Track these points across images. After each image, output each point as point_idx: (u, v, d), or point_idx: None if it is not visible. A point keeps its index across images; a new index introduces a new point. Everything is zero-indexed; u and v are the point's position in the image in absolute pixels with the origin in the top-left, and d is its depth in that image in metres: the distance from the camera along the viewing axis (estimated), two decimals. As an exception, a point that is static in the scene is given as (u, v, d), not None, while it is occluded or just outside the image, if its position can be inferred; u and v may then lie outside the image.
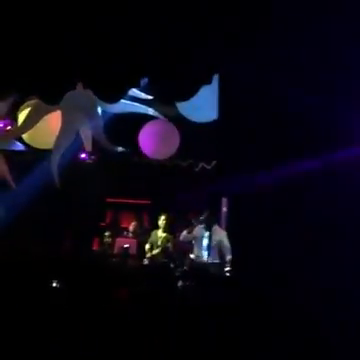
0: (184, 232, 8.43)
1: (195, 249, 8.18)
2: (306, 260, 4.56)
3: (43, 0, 4.99)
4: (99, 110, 7.39)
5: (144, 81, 5.11)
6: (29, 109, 7.09)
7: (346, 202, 4.58)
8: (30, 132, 7.24)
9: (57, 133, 7.21)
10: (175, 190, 9.33)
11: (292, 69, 4.67)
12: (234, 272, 5.45)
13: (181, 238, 8.47)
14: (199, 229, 8.14)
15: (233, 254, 5.86)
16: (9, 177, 7.67)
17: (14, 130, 7.46)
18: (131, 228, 9.48)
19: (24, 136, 7.40)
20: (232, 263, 6.22)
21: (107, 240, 9.32)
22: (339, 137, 4.60)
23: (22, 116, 7.24)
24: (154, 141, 7.69)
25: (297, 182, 4.66)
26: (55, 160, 7.39)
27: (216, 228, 8.15)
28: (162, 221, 8.84)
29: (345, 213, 4.57)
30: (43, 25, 5.01)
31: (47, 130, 7.22)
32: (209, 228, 8.02)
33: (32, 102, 7.04)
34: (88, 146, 7.62)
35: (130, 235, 9.34)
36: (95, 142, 7.68)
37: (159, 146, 7.73)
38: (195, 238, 8.20)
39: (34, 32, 5.02)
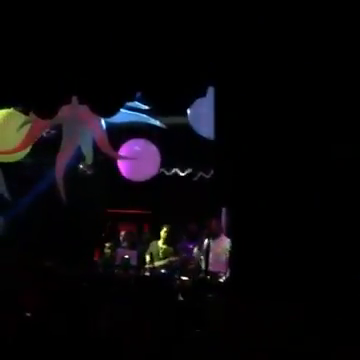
0: (195, 249, 8.41)
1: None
2: (308, 266, 4.56)
3: (39, 14, 5.00)
4: (102, 121, 7.36)
5: (138, 94, 5.13)
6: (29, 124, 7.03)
7: (349, 207, 4.57)
8: None
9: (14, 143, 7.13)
10: (174, 200, 9.32)
11: (290, 77, 4.66)
12: (233, 280, 5.44)
13: (194, 255, 8.42)
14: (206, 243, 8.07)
15: (233, 263, 5.85)
16: (3, 187, 7.66)
17: (19, 146, 7.33)
18: (121, 237, 9.28)
19: None
20: (231, 271, 6.19)
21: (108, 251, 9.29)
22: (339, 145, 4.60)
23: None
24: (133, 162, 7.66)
25: (298, 188, 4.65)
26: (60, 173, 7.37)
27: (222, 238, 8.11)
28: (164, 232, 8.79)
29: (347, 217, 4.56)
30: (37, 39, 5.02)
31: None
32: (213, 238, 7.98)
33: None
34: (89, 159, 7.58)
35: (124, 245, 9.28)
36: (96, 154, 7.66)
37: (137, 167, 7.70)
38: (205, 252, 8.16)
39: (29, 46, 5.03)
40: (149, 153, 7.82)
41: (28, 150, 7.41)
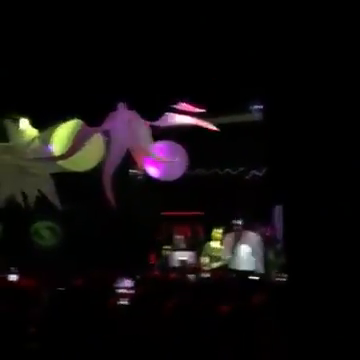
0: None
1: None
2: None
3: (84, 25, 5.07)
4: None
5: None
6: (70, 131, 7.04)
7: None
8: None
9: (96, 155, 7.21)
10: (226, 200, 9.26)
11: (340, 78, 4.57)
12: (289, 279, 5.35)
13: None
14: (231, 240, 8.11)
15: (289, 262, 5.77)
16: (55, 198, 7.74)
17: (64, 154, 7.38)
18: (176, 240, 9.45)
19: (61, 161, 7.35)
20: (287, 270, 6.10)
21: (165, 253, 9.33)
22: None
23: (58, 138, 7.15)
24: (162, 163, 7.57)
25: (353, 185, 4.55)
26: (108, 180, 7.39)
27: (248, 235, 8.07)
28: (218, 234, 8.74)
29: None
30: (86, 47, 5.09)
31: (88, 152, 7.18)
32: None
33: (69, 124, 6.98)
34: (141, 164, 7.55)
35: (181, 247, 9.32)
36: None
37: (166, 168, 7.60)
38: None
39: (76, 55, 5.11)
40: (175, 154, 7.72)
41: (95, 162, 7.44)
